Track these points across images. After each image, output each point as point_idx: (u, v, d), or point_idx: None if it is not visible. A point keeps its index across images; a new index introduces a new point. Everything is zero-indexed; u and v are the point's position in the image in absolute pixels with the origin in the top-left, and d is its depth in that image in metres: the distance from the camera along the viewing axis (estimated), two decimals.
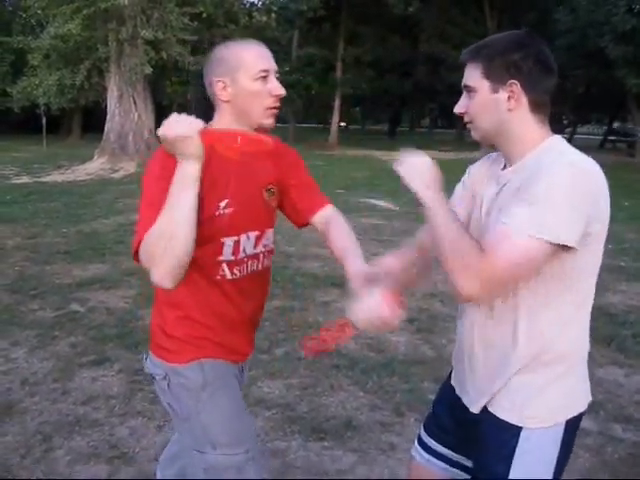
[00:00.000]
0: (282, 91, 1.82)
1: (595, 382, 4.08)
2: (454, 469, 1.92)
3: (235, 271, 1.90)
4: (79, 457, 3.14)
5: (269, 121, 1.85)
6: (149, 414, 3.55)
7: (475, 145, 5.20)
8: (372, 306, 1.64)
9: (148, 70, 19.32)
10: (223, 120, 1.85)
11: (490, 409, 1.69)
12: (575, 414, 1.66)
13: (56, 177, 16.30)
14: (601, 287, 6.17)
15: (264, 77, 1.79)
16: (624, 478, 3.09)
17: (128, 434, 3.37)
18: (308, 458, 3.18)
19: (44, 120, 25.43)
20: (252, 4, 31.56)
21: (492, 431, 1.68)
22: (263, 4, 31.67)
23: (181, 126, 1.59)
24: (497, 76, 1.59)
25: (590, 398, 1.73)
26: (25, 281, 6.20)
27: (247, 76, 1.77)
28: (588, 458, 3.22)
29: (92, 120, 32.12)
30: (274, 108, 1.84)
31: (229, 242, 1.85)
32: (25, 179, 15.56)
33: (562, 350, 1.64)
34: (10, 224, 9.19)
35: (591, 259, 1.58)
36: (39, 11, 20.94)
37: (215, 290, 1.88)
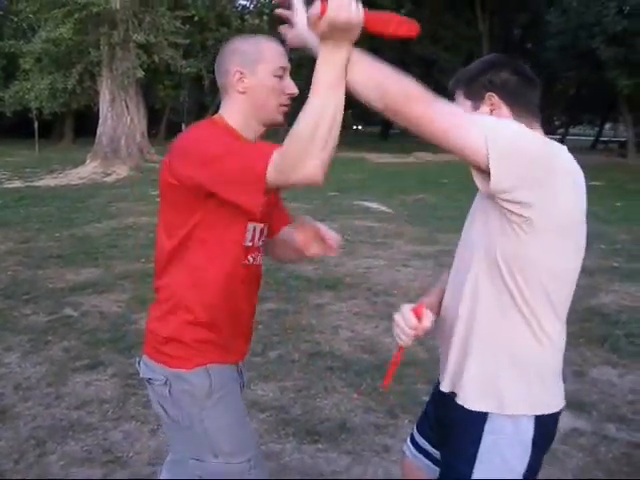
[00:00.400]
0: (296, 90, 1.85)
1: (589, 382, 4.10)
2: (435, 465, 1.94)
3: (257, 257, 1.96)
4: (73, 462, 3.13)
5: (280, 118, 1.87)
6: (143, 418, 3.55)
7: None
8: (408, 324, 1.72)
9: (140, 74, 19.30)
10: (234, 110, 1.84)
11: (458, 400, 1.71)
12: (543, 413, 1.65)
13: (49, 181, 16.26)
14: (594, 288, 6.21)
15: (281, 75, 1.82)
16: (618, 477, 3.10)
17: (122, 438, 3.36)
18: (302, 460, 3.19)
19: (36, 124, 25.36)
20: (244, 7, 31.56)
21: (459, 426, 1.71)
22: (255, 7, 31.67)
23: (352, 10, 1.41)
24: (476, 94, 1.69)
25: (563, 403, 1.72)
26: (18, 286, 6.18)
27: (267, 70, 1.80)
28: (582, 458, 3.23)
29: (84, 124, 32.01)
30: (286, 106, 1.87)
31: (250, 227, 1.88)
32: (17, 183, 15.52)
33: (518, 344, 1.65)
34: (2, 229, 9.16)
35: (546, 253, 1.59)
36: (30, 15, 20.87)
37: (230, 279, 1.87)
